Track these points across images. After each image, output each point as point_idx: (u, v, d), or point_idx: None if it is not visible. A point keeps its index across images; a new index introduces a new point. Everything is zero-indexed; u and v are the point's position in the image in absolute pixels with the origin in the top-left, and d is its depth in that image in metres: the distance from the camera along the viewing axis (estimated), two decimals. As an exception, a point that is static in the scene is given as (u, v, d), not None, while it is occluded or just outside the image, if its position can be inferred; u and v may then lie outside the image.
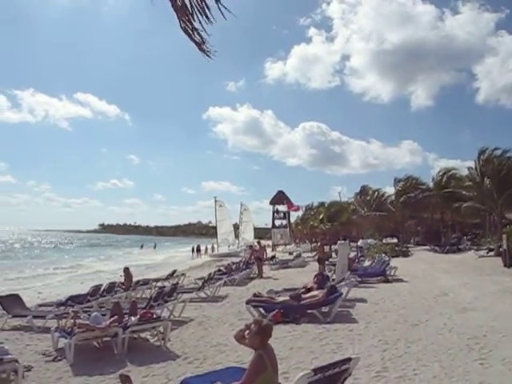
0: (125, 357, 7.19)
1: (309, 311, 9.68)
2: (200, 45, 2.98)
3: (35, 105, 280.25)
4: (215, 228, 47.90)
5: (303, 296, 10.12)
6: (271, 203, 62.51)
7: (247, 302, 9.98)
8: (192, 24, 2.85)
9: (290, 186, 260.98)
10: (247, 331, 4.26)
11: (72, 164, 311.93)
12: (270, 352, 4.08)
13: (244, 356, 6.75)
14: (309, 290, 10.74)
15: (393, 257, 24.47)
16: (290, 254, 36.88)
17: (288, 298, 10.09)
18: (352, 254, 22.38)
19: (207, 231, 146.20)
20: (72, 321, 7.99)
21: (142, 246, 75.79)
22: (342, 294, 10.17)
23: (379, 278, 16.40)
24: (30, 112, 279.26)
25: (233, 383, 4.01)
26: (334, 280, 12.85)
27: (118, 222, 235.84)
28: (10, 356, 5.90)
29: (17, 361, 5.80)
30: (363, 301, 11.85)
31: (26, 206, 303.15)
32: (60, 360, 7.16)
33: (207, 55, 3.07)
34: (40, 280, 25.26)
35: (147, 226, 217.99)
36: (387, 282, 15.95)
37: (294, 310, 9.68)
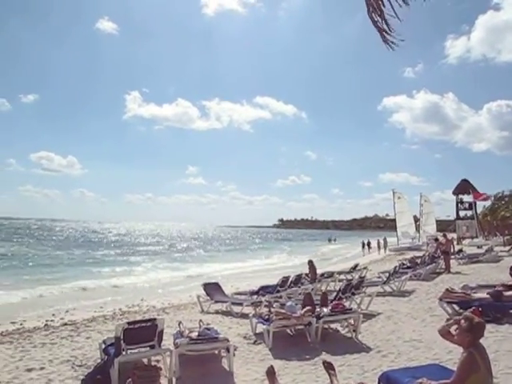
0: (318, 345, 7.46)
1: (512, 311, 8.73)
2: (384, 33, 2.87)
3: (221, 112, 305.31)
4: (394, 221, 46.23)
5: (505, 294, 9.14)
6: (454, 193, 57.80)
7: (440, 298, 9.42)
8: (381, 11, 2.76)
9: (476, 173, 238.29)
10: (455, 327, 4.04)
11: (254, 164, 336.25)
12: (482, 351, 3.81)
13: (442, 354, 6.43)
14: (510, 287, 9.66)
15: None
16: (479, 247, 33.66)
17: (486, 295, 9.23)
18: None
19: (385, 224, 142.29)
20: (266, 309, 8.57)
21: (330, 240, 77.66)
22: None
23: None
24: (216, 119, 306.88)
25: (440, 381, 3.85)
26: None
27: (296, 217, 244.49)
28: (222, 335, 6.61)
29: (228, 340, 6.45)
30: None
31: (215, 204, 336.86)
32: (260, 343, 7.76)
33: (389, 45, 2.98)
34: (230, 270, 27.73)
35: (324, 220, 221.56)
36: None
37: (494, 309, 8.79)
